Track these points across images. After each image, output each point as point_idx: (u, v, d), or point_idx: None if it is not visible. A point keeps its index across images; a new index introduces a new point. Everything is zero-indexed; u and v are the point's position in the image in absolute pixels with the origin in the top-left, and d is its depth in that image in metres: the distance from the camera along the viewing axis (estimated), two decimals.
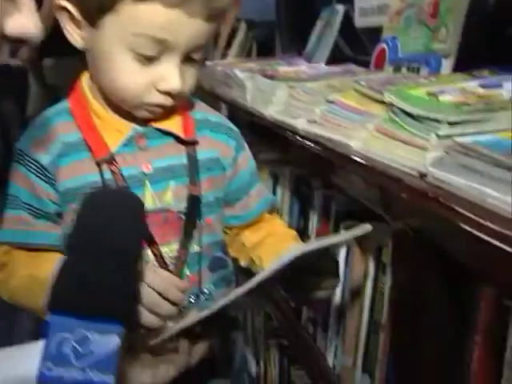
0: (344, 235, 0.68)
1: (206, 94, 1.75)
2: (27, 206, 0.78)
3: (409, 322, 0.70)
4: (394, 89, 0.83)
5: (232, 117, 1.43)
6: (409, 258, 0.63)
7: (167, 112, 0.80)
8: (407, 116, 0.68)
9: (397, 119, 0.71)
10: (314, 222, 1.07)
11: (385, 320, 0.79)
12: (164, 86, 0.73)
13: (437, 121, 0.62)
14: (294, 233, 0.91)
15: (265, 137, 1.12)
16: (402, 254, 0.70)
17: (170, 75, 0.72)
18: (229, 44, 2.40)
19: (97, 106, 0.79)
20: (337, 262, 0.81)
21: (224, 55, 2.41)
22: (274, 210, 0.95)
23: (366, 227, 0.69)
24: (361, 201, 0.76)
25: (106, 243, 0.57)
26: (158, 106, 0.76)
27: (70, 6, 0.72)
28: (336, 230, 0.95)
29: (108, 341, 0.54)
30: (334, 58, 1.66)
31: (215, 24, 0.74)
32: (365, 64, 1.33)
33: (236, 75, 1.41)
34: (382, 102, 0.79)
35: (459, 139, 0.57)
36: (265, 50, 2.30)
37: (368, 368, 0.84)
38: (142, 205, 0.64)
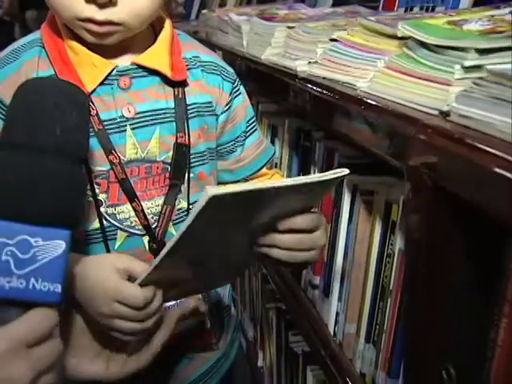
0: (319, 177, 0.57)
1: (202, 42, 1.64)
2: None
3: (422, 288, 0.60)
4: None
5: (228, 64, 1.33)
6: (426, 213, 0.54)
7: (153, 48, 0.70)
8: (425, 48, 0.58)
9: (412, 54, 0.61)
10: None
11: (393, 285, 0.70)
12: None
13: (462, 50, 0.52)
14: None
15: (263, 84, 1.01)
16: (418, 209, 0.60)
17: None
18: None
19: (72, 38, 0.68)
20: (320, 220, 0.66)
21: (222, 5, 2.28)
22: (273, 164, 0.85)
23: (343, 171, 0.58)
24: (367, 152, 0.66)
25: (47, 138, 0.49)
26: (89, 20, 0.63)
27: None
28: (339, 185, 0.86)
29: (54, 246, 0.48)
30: (339, 5, 1.55)
31: None
32: (373, 9, 1.22)
33: (231, 19, 1.30)
34: (395, 37, 0.69)
35: (491, 68, 0.47)
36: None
37: (373, 338, 0.76)
38: (87, 98, 0.56)
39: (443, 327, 0.57)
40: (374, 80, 0.65)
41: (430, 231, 0.56)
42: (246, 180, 0.81)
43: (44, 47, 0.69)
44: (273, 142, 1.17)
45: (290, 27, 0.99)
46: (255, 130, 0.82)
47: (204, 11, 1.86)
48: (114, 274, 0.60)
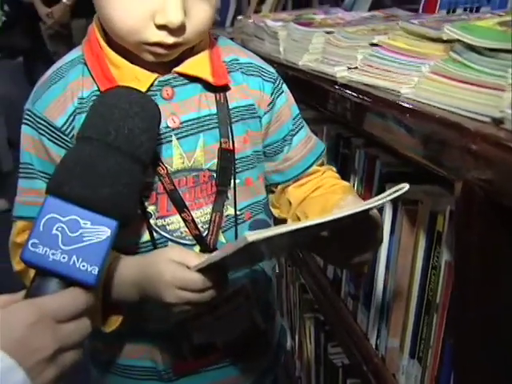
0: (378, 200, 0.56)
1: None
2: (42, 175, 0.69)
3: (472, 301, 0.57)
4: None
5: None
6: (478, 227, 0.51)
7: (193, 55, 0.69)
8: (474, 52, 0.55)
9: (460, 58, 0.58)
10: (355, 185, 0.94)
11: (440, 299, 0.67)
12: (160, 19, 0.61)
13: None
14: (344, 184, 0.78)
15: (300, 91, 0.99)
16: (469, 223, 0.57)
17: (167, 6, 0.60)
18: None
19: (112, 53, 0.68)
20: (376, 224, 0.66)
21: (258, 11, 2.28)
22: (324, 161, 0.82)
23: (403, 186, 0.57)
24: (411, 160, 0.63)
25: (116, 136, 0.55)
26: (158, 45, 0.63)
27: None
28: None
29: (99, 232, 0.53)
30: (377, 9, 1.52)
31: None
32: (412, 11, 1.18)
33: (268, 26, 1.28)
34: (440, 41, 0.66)
35: None
36: (300, 4, 2.15)
37: (418, 353, 0.73)
38: (159, 110, 0.60)
39: (496, 345, 0.54)
40: (418, 86, 0.63)
41: (482, 246, 0.53)
42: (296, 180, 0.78)
43: (86, 64, 0.69)
44: None
45: (328, 32, 0.98)
46: (302, 127, 0.79)
47: (239, 17, 1.86)
48: (171, 265, 0.62)
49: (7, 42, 3.77)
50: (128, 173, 0.55)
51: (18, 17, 3.74)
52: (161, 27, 0.62)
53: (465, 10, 0.99)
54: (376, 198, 0.55)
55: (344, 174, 1.02)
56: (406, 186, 0.54)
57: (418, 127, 0.58)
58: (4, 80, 4.13)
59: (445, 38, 0.64)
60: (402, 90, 0.65)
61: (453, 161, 0.51)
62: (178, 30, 0.62)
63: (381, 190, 0.84)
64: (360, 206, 0.57)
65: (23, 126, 0.70)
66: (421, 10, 1.13)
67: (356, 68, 0.80)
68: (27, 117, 0.69)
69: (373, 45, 0.80)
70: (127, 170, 0.55)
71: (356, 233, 0.62)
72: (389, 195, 0.55)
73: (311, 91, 0.93)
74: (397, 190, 0.55)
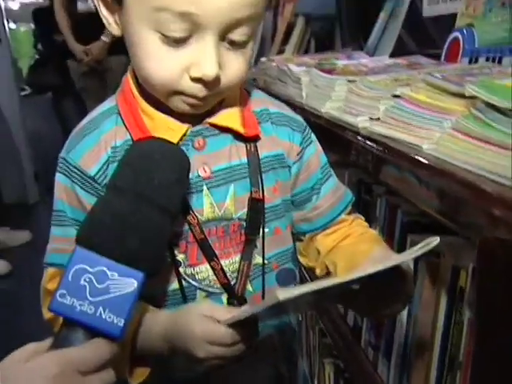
0: (410, 254, 0.56)
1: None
2: (74, 222, 0.70)
3: (495, 360, 0.56)
4: (477, 80, 0.70)
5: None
6: (500, 288, 0.50)
7: (224, 106, 0.71)
8: (496, 112, 0.55)
9: (482, 116, 0.58)
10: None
11: (463, 356, 0.66)
12: (195, 72, 0.61)
13: None
14: (372, 233, 0.78)
15: (322, 137, 1.00)
16: (488, 279, 0.57)
17: (203, 59, 0.61)
18: (286, 40, 2.30)
19: (145, 104, 0.69)
20: (406, 277, 0.65)
21: (281, 51, 2.31)
22: (352, 209, 0.82)
23: (433, 240, 0.56)
24: (433, 218, 0.63)
25: (147, 187, 0.56)
26: (191, 96, 0.64)
27: None
28: (402, 244, 0.83)
29: (126, 283, 0.53)
30: (399, 53, 1.53)
31: None
32: (434, 58, 1.19)
33: (291, 70, 1.30)
34: (462, 97, 0.66)
35: None
36: (324, 46, 2.18)
37: None
38: (189, 162, 0.60)
39: None
40: (439, 143, 0.63)
41: (503, 306, 0.52)
42: (324, 229, 0.78)
43: (120, 114, 0.70)
44: None
45: (350, 81, 0.98)
46: (330, 175, 0.80)
47: (263, 59, 1.88)
48: (201, 320, 0.62)
49: (38, 79, 3.88)
50: (157, 225, 0.55)
51: (51, 55, 3.85)
52: (195, 80, 0.62)
53: (487, 59, 1.00)
54: (407, 252, 0.55)
55: (366, 221, 1.01)
56: (436, 240, 0.54)
57: (438, 185, 0.58)
58: (33, 115, 4.24)
59: (467, 95, 0.64)
60: (424, 146, 0.65)
61: (471, 221, 0.51)
62: (213, 83, 0.63)
63: (402, 241, 0.83)
64: (390, 260, 0.57)
65: (57, 174, 0.71)
66: (443, 58, 1.14)
67: (378, 119, 0.80)
68: (61, 165, 0.70)
69: (395, 96, 0.80)
70: (156, 221, 0.55)
71: (385, 285, 0.61)
72: (419, 249, 0.54)
73: (333, 139, 0.94)
74: (427, 244, 0.54)
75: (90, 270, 0.53)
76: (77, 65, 3.35)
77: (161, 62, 0.62)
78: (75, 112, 3.92)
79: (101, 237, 0.54)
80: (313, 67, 1.21)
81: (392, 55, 1.49)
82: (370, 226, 0.96)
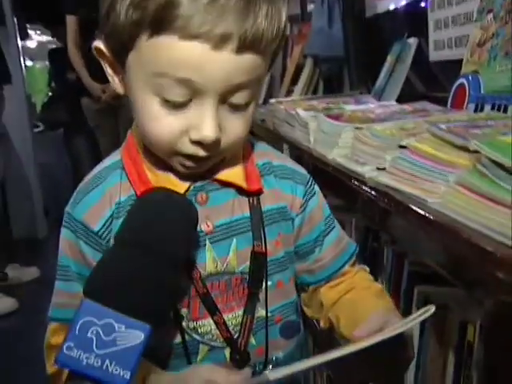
0: (407, 323, 0.56)
1: (269, 132, 1.67)
2: (78, 277, 0.70)
3: None
4: (481, 133, 0.71)
5: (294, 159, 1.34)
6: (508, 348, 0.50)
7: (227, 161, 0.71)
8: (501, 169, 0.56)
9: (487, 172, 0.58)
10: (383, 284, 0.93)
11: None
12: (195, 135, 0.62)
13: None
14: (376, 288, 0.77)
15: (329, 183, 1.01)
16: (496, 336, 0.56)
17: (202, 123, 0.61)
18: (295, 80, 2.33)
19: (148, 160, 0.70)
20: (405, 343, 0.65)
21: (289, 92, 2.34)
22: (356, 260, 0.82)
23: (430, 310, 0.56)
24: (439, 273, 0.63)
25: (154, 239, 0.57)
26: (191, 157, 0.65)
27: (102, 47, 0.65)
28: (409, 296, 0.82)
29: (133, 336, 0.54)
30: (406, 96, 1.54)
31: (256, 57, 0.61)
32: (440, 101, 1.20)
33: (299, 115, 1.31)
34: (467, 150, 0.66)
35: None
36: (332, 87, 2.21)
37: None
38: (196, 214, 0.62)
39: None
40: (444, 197, 0.63)
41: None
42: (328, 281, 0.78)
43: (124, 169, 0.71)
44: None
45: (357, 128, 0.99)
46: (333, 227, 0.80)
47: (272, 101, 1.91)
48: None
49: (51, 116, 3.95)
50: (164, 278, 0.56)
51: (63, 93, 3.94)
52: (195, 142, 0.63)
53: (492, 107, 1.00)
54: (404, 321, 0.55)
55: (372, 269, 1.01)
56: (432, 309, 0.54)
57: (442, 242, 0.58)
58: (44, 150, 4.30)
59: (471, 149, 0.65)
60: (429, 200, 0.65)
61: (476, 280, 0.51)
62: (213, 145, 0.63)
63: (409, 292, 0.83)
64: (388, 331, 0.57)
65: (62, 229, 0.72)
66: (449, 104, 1.15)
67: (384, 169, 0.81)
68: (67, 220, 0.71)
69: (401, 147, 0.81)
70: (163, 274, 0.56)
71: (384, 352, 0.60)
72: (417, 317, 0.55)
73: (340, 187, 0.94)
74: (424, 312, 0.55)
75: (97, 322, 0.53)
76: (91, 102, 3.41)
77: (161, 125, 0.63)
78: (86, 149, 3.98)
79: (108, 289, 0.54)
80: (320, 112, 1.23)
81: (399, 98, 1.51)
82: (377, 275, 0.96)
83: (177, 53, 0.58)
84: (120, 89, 0.68)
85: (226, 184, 0.71)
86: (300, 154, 1.20)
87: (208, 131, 0.61)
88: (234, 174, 0.71)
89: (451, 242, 0.56)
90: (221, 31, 0.57)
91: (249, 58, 0.60)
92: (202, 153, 0.64)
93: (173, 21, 0.56)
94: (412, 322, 0.54)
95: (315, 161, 1.09)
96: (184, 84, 0.59)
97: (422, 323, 0.77)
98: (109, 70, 0.68)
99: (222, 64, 0.59)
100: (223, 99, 0.62)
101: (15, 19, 3.89)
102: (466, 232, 0.54)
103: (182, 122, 0.62)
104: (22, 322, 2.67)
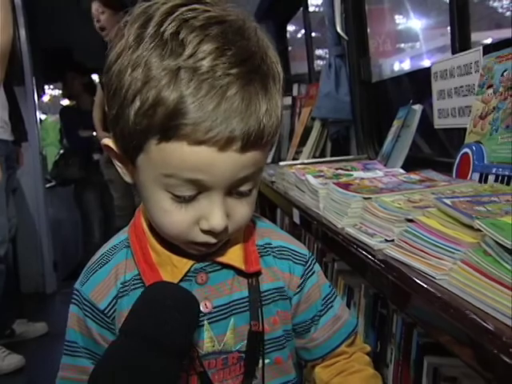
0: None
1: (279, 195, 1.71)
2: (86, 352, 0.73)
3: None
4: (485, 210, 0.74)
5: (304, 224, 1.37)
6: None
7: (228, 241, 0.74)
8: (505, 251, 0.59)
9: (491, 251, 0.61)
10: (392, 352, 0.94)
11: None
12: (204, 225, 0.66)
13: None
14: (367, 373, 0.79)
15: (339, 251, 1.04)
16: None
17: (211, 214, 0.66)
18: (303, 142, 2.40)
19: (153, 240, 0.74)
20: None
21: (298, 153, 2.40)
22: (356, 337, 0.84)
23: None
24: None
25: (158, 332, 0.60)
26: (203, 244, 0.69)
27: (112, 145, 0.69)
28: (418, 368, 0.83)
29: None
30: (412, 159, 1.59)
31: (258, 152, 0.65)
32: (445, 166, 1.24)
33: (308, 181, 1.35)
34: (471, 228, 0.69)
35: None
36: (340, 149, 2.26)
37: None
38: (199, 307, 0.66)
39: None
40: (451, 275, 0.66)
41: None
42: (323, 359, 0.80)
43: (130, 247, 0.74)
44: (348, 305, 1.16)
45: (366, 198, 1.03)
46: (331, 307, 0.82)
47: (281, 163, 1.96)
48: None
49: (62, 172, 4.04)
50: (166, 369, 0.59)
51: (75, 150, 4.03)
52: (205, 231, 0.67)
53: (496, 178, 1.04)
54: None
55: (381, 336, 1.03)
56: None
57: (449, 319, 0.60)
58: (55, 205, 4.36)
59: (476, 228, 0.68)
60: (438, 276, 0.68)
61: (483, 360, 0.53)
62: (222, 232, 0.67)
63: (419, 363, 0.84)
64: None
65: (71, 305, 0.75)
66: (454, 172, 1.18)
67: (393, 241, 0.84)
68: (75, 296, 0.74)
69: (409, 220, 0.84)
70: (165, 366, 0.60)
71: None
72: None
73: (350, 255, 0.97)
74: None
75: None
76: (105, 157, 3.50)
77: (171, 217, 0.67)
78: (96, 205, 4.04)
79: (112, 380, 0.58)
80: (330, 179, 1.27)
81: (405, 162, 1.56)
82: (386, 342, 0.98)
83: (185, 156, 0.61)
84: (129, 179, 0.72)
85: (225, 265, 0.74)
86: (310, 220, 1.23)
87: (217, 221, 0.65)
88: (234, 255, 0.74)
89: (458, 320, 0.58)
90: (226, 135, 0.60)
91: (252, 155, 0.64)
92: (213, 240, 0.68)
93: (181, 129, 0.60)
94: None
95: (326, 228, 1.12)
96: (192, 182, 0.64)
97: None
98: (117, 163, 0.71)
99: (228, 164, 0.62)
100: (229, 191, 0.66)
101: (34, 79, 4.03)
102: (471, 310, 0.57)
103: (192, 214, 0.66)
104: (28, 379, 2.66)
